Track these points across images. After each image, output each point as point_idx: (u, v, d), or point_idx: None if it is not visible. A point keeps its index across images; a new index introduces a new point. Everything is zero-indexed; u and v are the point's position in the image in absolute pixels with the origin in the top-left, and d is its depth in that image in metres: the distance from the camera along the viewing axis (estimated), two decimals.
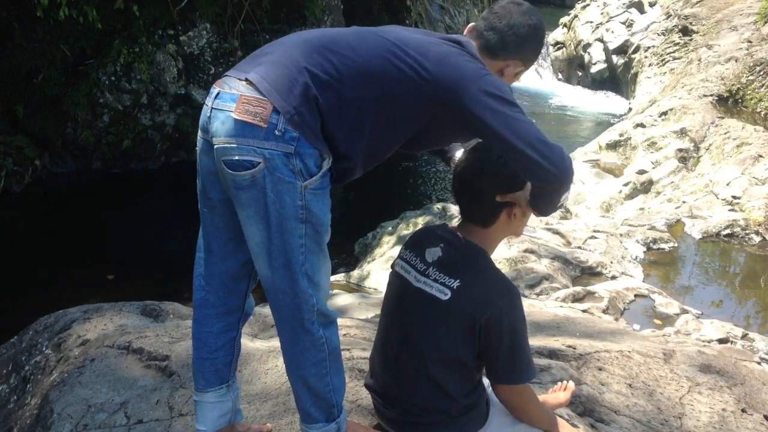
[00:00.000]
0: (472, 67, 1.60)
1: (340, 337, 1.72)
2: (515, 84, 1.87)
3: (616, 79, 12.28)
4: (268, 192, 1.49)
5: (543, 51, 13.88)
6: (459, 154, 1.93)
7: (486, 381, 1.80)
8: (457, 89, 1.56)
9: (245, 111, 1.48)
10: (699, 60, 9.20)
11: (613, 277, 4.69)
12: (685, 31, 10.42)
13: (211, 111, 1.54)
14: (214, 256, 1.70)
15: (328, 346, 1.64)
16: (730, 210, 5.92)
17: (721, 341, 3.70)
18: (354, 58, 1.55)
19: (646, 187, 6.97)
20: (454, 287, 1.64)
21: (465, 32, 1.78)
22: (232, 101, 1.50)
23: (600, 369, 2.60)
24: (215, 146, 1.52)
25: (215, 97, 1.54)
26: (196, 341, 1.77)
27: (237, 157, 1.48)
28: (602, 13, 13.10)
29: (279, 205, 1.50)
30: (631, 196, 6.89)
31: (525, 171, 1.58)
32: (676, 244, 5.43)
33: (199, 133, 1.60)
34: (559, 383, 2.25)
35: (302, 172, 1.50)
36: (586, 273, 4.80)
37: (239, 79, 1.52)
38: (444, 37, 1.68)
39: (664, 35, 10.95)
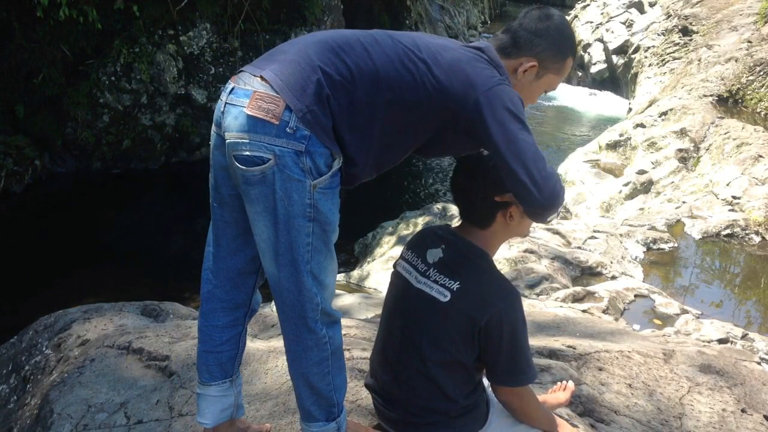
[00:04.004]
0: (484, 74, 1.58)
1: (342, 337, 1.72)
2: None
3: (616, 79, 12.28)
4: (277, 189, 1.49)
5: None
6: None
7: (486, 381, 1.80)
8: (464, 97, 1.55)
9: (258, 107, 1.48)
10: (699, 60, 9.20)
11: (613, 277, 4.69)
12: (685, 31, 10.42)
13: (225, 106, 1.54)
14: (223, 250, 1.71)
15: (330, 346, 1.64)
16: (730, 210, 5.92)
17: (721, 341, 3.71)
18: (367, 61, 1.55)
19: (646, 187, 6.97)
20: (454, 289, 1.63)
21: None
22: (245, 97, 1.50)
23: (600, 369, 2.60)
24: (227, 141, 1.53)
25: (230, 92, 1.55)
26: (201, 334, 1.77)
27: (248, 153, 1.49)
28: (602, 13, 13.10)
29: (287, 202, 1.50)
30: (631, 196, 6.89)
31: (513, 190, 1.58)
32: (676, 244, 5.43)
33: (213, 127, 1.60)
34: (559, 383, 2.25)
35: (312, 171, 1.50)
36: (586, 273, 4.80)
37: (254, 75, 1.53)
38: (465, 45, 1.67)
39: (664, 35, 10.94)
